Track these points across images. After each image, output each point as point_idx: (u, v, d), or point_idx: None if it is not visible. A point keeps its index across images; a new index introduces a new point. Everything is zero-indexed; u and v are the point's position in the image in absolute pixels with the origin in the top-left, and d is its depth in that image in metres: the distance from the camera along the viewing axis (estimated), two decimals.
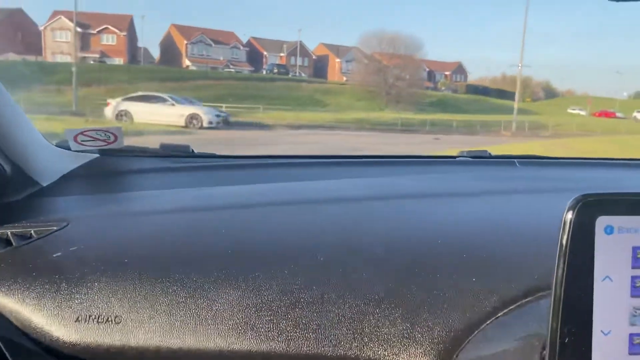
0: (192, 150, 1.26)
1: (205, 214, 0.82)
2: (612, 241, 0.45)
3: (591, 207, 0.44)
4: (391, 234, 0.74)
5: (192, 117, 18.25)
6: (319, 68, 62.96)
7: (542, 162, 1.38)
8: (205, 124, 18.20)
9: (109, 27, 50.43)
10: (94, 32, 50.45)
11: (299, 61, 60.93)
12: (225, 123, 19.90)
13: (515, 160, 1.31)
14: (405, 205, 0.85)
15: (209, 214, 0.82)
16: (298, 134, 19.08)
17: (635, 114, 59.14)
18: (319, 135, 18.49)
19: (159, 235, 0.75)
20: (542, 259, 0.61)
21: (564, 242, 0.44)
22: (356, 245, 0.71)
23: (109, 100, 18.98)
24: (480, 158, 1.36)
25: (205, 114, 18.73)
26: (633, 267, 0.45)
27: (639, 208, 0.45)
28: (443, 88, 60.45)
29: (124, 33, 50.55)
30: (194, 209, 0.84)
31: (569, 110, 62.92)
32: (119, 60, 49.76)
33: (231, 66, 55.20)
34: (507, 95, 75.71)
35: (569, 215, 0.44)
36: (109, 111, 18.24)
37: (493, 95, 65.80)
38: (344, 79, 54.28)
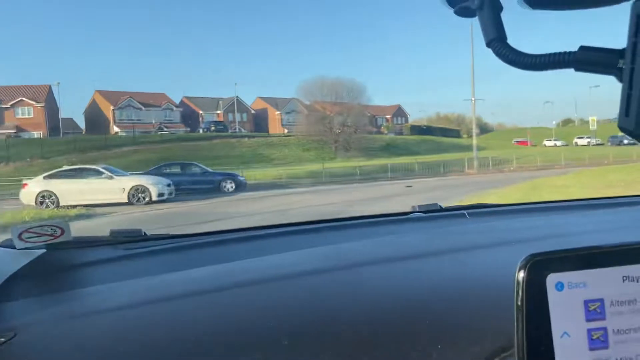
0: (145, 234, 1.26)
1: (160, 306, 0.78)
2: (564, 297, 0.46)
3: (540, 265, 0.46)
4: (350, 307, 0.73)
5: (138, 191, 14.99)
6: (259, 122, 60.78)
7: (490, 212, 1.49)
8: (154, 197, 14.95)
9: (24, 99, 46.30)
10: (7, 106, 46.11)
11: (238, 117, 58.67)
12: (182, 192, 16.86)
13: (465, 211, 1.43)
14: (362, 273, 0.84)
15: (164, 306, 0.78)
16: (258, 196, 16.22)
17: (575, 139, 61.68)
18: (280, 197, 15.38)
19: (114, 336, 0.72)
20: (502, 317, 0.60)
21: (519, 303, 0.45)
22: (317, 324, 0.70)
23: (26, 181, 15.39)
24: (432, 212, 1.46)
25: (153, 184, 15.39)
26: (587, 321, 0.46)
27: (585, 262, 0.47)
28: (386, 132, 59.80)
29: (42, 104, 46.56)
30: (150, 301, 0.80)
31: (514, 142, 64.78)
32: (38, 134, 45.35)
33: (164, 128, 52.04)
34: (450, 133, 77.46)
35: (521, 275, 0.45)
36: (26, 194, 14.58)
37: (437, 134, 66.31)
38: (285, 131, 52.48)
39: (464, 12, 0.45)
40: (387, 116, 71.87)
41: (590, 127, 52.46)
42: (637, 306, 0.47)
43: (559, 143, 61.48)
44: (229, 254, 1.11)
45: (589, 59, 0.39)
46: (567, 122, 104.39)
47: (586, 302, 0.46)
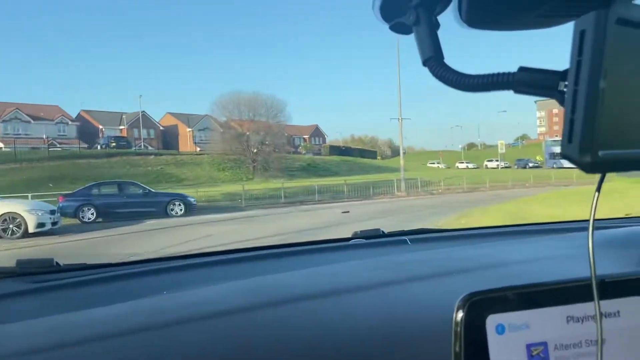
0: (57, 264, 1.17)
1: (70, 351, 0.68)
2: (505, 341, 0.43)
3: (480, 306, 0.43)
4: (280, 348, 0.68)
5: (7, 220, 11.44)
6: (168, 139, 56.23)
7: (432, 237, 1.48)
8: (32, 228, 11.47)
9: None
10: None
11: (144, 133, 53.83)
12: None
13: (406, 237, 1.41)
14: (293, 310, 0.77)
15: (74, 350, 0.68)
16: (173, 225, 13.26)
17: (486, 162, 64.10)
18: (193, 228, 12.41)
19: None
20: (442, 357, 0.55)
21: (457, 348, 0.43)
22: None
23: None
24: (374, 238, 1.43)
25: (29, 211, 11.74)
26: None
27: (528, 301, 0.45)
28: (304, 152, 58.18)
29: None
30: (58, 345, 0.69)
31: (429, 165, 66.46)
32: None
33: (57, 144, 46.04)
34: (368, 154, 77.80)
35: (459, 317, 0.43)
36: None
37: (355, 154, 66.00)
38: (198, 149, 48.84)
39: (400, 28, 0.43)
40: (305, 136, 70.54)
41: (499, 150, 54.63)
42: (582, 349, 0.45)
43: (470, 165, 62.98)
44: (149, 287, 1.04)
45: (529, 81, 0.38)
46: (471, 145, 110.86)
47: (529, 346, 0.44)
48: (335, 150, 63.94)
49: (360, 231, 1.48)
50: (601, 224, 1.43)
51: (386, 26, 0.44)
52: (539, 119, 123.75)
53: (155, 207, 15.94)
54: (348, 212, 14.90)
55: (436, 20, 0.42)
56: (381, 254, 1.22)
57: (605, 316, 0.46)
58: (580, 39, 0.33)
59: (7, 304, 0.96)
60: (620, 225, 1.29)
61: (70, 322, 0.77)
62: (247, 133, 39.47)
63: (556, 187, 26.15)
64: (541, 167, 54.31)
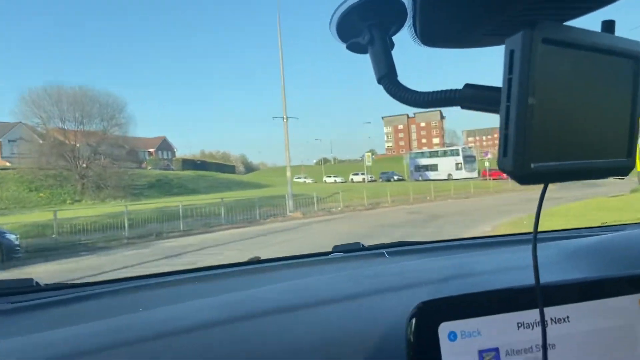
0: (37, 283, 1.15)
1: None
2: (457, 348, 0.44)
3: (432, 313, 0.44)
4: None
5: None
6: None
7: (410, 250, 1.46)
8: None
9: None
10: None
11: None
12: None
13: (384, 250, 1.40)
14: (266, 323, 0.77)
15: None
16: None
17: (351, 176, 62.02)
18: None
19: None
20: None
21: (410, 356, 0.43)
22: None
23: None
24: (353, 252, 1.44)
25: None
26: None
27: (479, 308, 0.45)
28: (150, 167, 49.24)
29: None
30: None
31: (295, 179, 62.30)
32: None
33: None
34: (226, 168, 70.80)
35: (411, 325, 0.43)
36: None
37: (212, 169, 59.13)
38: (7, 164, 37.30)
39: (356, 47, 0.45)
40: (151, 149, 61.15)
41: (366, 162, 52.58)
42: (533, 354, 0.46)
43: (338, 180, 60.74)
44: (128, 305, 1.06)
45: (473, 97, 0.39)
46: (325, 160, 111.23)
47: (481, 353, 0.44)
48: (189, 164, 55.89)
49: (341, 245, 1.51)
50: (576, 233, 1.47)
51: (343, 45, 0.45)
52: (386, 134, 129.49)
53: None
54: (259, 259, 8.12)
55: (391, 40, 0.44)
56: (358, 267, 1.24)
57: (555, 322, 0.47)
58: (510, 58, 0.34)
59: None
60: (596, 234, 1.27)
61: (46, 341, 0.76)
62: (74, 143, 29.91)
63: (458, 199, 23.08)
64: (404, 179, 53.47)
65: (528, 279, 0.45)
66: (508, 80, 0.35)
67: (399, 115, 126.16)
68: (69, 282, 1.20)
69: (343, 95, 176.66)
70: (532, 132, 0.34)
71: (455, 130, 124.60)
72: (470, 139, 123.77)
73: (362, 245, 1.50)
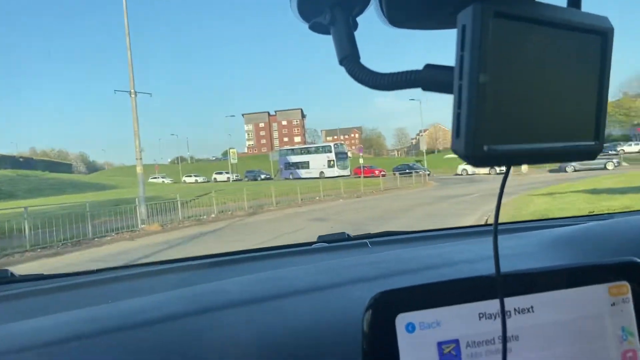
0: (12, 274, 1.18)
1: (19, 356, 0.68)
2: (416, 340, 0.43)
3: (389, 304, 0.43)
4: (215, 353, 0.68)
5: None
6: None
7: (393, 240, 1.48)
8: None
9: None
10: None
11: None
12: None
13: (367, 240, 1.43)
14: (230, 315, 0.76)
15: (22, 356, 0.68)
16: None
17: (214, 175, 56.02)
18: None
19: None
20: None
21: (366, 347, 0.42)
22: None
23: None
24: (338, 242, 1.45)
25: None
26: None
27: (439, 298, 0.44)
28: None
29: None
30: (5, 351, 0.69)
31: (151, 180, 54.89)
32: None
33: None
34: (60, 167, 59.62)
35: (367, 317, 0.42)
36: None
37: (41, 168, 48.30)
38: None
39: (318, 28, 0.43)
40: None
41: (231, 160, 47.59)
42: (495, 346, 0.45)
43: (200, 179, 55.41)
44: (100, 296, 1.07)
45: (433, 78, 0.37)
46: (182, 159, 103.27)
47: (440, 344, 0.43)
48: (7, 161, 44.79)
49: (326, 235, 1.50)
50: (562, 222, 1.45)
51: (305, 25, 0.44)
52: (247, 132, 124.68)
53: None
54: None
55: (354, 20, 0.42)
56: (339, 257, 1.21)
57: (519, 312, 0.46)
58: (462, 33, 0.33)
59: None
60: (581, 222, 1.25)
61: (21, 330, 0.76)
62: None
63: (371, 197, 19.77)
64: (272, 178, 49.68)
65: (505, 268, 0.44)
66: (460, 58, 0.33)
67: (260, 112, 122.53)
68: (45, 274, 1.22)
69: (200, 89, 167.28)
70: (485, 112, 0.32)
71: (317, 129, 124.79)
72: (329, 138, 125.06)
73: (348, 235, 1.52)
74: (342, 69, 0.41)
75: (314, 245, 1.40)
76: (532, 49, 0.34)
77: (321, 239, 1.48)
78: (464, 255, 0.99)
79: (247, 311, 0.77)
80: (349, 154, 48.77)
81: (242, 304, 0.79)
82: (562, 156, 0.37)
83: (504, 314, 0.43)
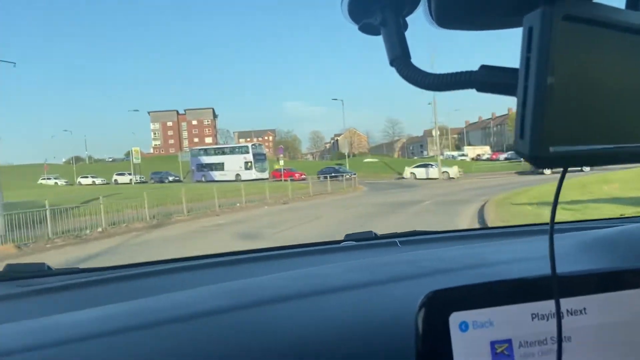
0: (49, 267, 1.20)
1: (53, 351, 0.67)
2: (469, 339, 0.43)
3: (442, 303, 0.43)
4: (258, 348, 0.68)
5: None
6: None
7: (422, 239, 1.47)
8: None
9: None
10: None
11: None
12: None
13: (396, 239, 1.41)
14: (273, 310, 0.77)
15: (57, 350, 0.67)
16: None
17: (115, 176, 50.47)
18: None
19: None
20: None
21: (419, 346, 0.42)
22: None
23: None
24: (365, 240, 1.45)
25: None
26: None
27: (492, 298, 0.44)
28: None
29: None
30: (41, 345, 0.68)
31: (42, 181, 47.74)
32: None
33: None
34: None
35: (420, 315, 0.42)
36: None
37: None
38: None
39: (368, 29, 0.43)
40: None
41: (134, 160, 42.36)
42: (548, 346, 0.45)
43: (98, 181, 49.63)
44: (138, 289, 1.08)
45: (489, 79, 0.37)
46: (77, 159, 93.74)
47: (493, 344, 0.43)
48: None
49: (353, 234, 1.51)
50: (594, 224, 1.43)
51: (355, 27, 0.43)
52: (153, 132, 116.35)
53: None
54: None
55: (404, 21, 0.42)
56: (370, 256, 1.22)
57: (572, 313, 0.46)
58: (528, 35, 0.33)
59: None
60: (614, 225, 1.21)
61: (56, 323, 0.77)
62: None
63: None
64: (182, 180, 45.01)
65: (542, 270, 0.45)
66: (526, 59, 0.33)
67: (167, 111, 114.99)
68: (79, 267, 1.24)
69: (100, 82, 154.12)
70: (551, 113, 0.32)
71: (229, 130, 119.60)
72: (242, 140, 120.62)
73: (375, 233, 1.52)
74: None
75: (342, 244, 1.42)
76: (598, 51, 0.34)
77: (348, 237, 1.48)
78: (499, 256, 0.99)
79: (286, 307, 0.77)
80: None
81: (282, 300, 0.79)
82: (624, 158, 0.37)
83: (559, 314, 0.43)
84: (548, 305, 0.45)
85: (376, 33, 0.43)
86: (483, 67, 0.38)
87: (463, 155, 60.22)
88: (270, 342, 0.67)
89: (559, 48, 0.32)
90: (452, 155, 63.03)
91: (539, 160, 0.33)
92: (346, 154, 48.49)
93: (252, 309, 0.77)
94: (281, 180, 30.61)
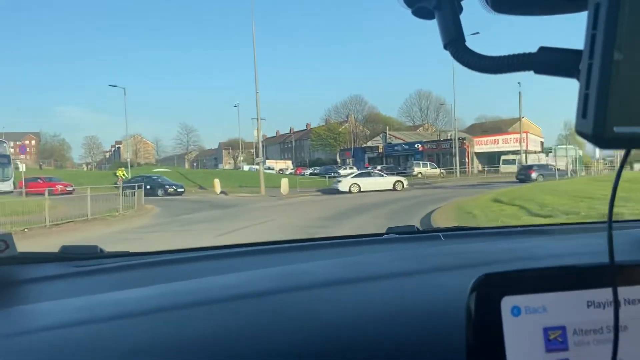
0: (101, 250, 1.24)
1: (109, 324, 0.71)
2: (521, 324, 0.42)
3: (495, 287, 0.42)
4: (299, 330, 0.69)
5: None
6: None
7: (465, 234, 1.51)
8: None
9: None
10: None
11: None
12: None
13: (440, 234, 1.43)
14: (315, 295, 0.79)
15: (112, 324, 0.71)
16: None
17: None
18: None
19: (53, 357, 0.64)
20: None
21: (470, 329, 0.42)
22: (270, 349, 0.66)
23: None
24: (408, 234, 1.49)
25: None
26: (547, 351, 0.42)
27: (546, 283, 0.43)
28: None
29: None
30: (89, 320, 0.72)
31: None
32: None
33: None
34: None
35: (472, 298, 0.42)
36: None
37: None
38: None
39: (422, 12, 0.43)
40: None
41: None
42: (603, 336, 0.43)
43: None
44: (184, 273, 1.10)
45: (549, 61, 0.37)
46: None
47: (546, 330, 0.42)
48: None
49: (395, 227, 1.53)
50: (637, 224, 1.45)
51: (409, 11, 0.43)
52: None
53: None
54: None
55: (459, 4, 0.42)
56: (413, 248, 1.23)
57: (629, 303, 0.44)
58: (594, 12, 0.32)
59: (49, 285, 1.00)
60: None
61: (112, 300, 0.80)
62: None
63: None
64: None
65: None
66: (592, 36, 0.32)
67: None
68: (130, 252, 1.29)
69: None
70: (616, 91, 0.31)
71: None
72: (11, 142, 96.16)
73: (417, 228, 1.58)
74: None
75: (384, 236, 1.44)
76: None
77: (390, 230, 1.50)
78: (547, 251, 0.98)
79: (333, 291, 0.79)
80: (19, 163, 33.07)
81: (327, 285, 0.81)
82: None
83: (616, 303, 0.42)
84: (604, 294, 0.43)
85: (430, 17, 0.42)
86: (542, 48, 0.37)
87: (270, 169, 56.11)
88: (315, 323, 0.68)
89: (626, 25, 0.31)
90: (255, 169, 58.46)
91: (602, 140, 0.32)
92: (128, 162, 39.31)
93: (298, 292, 0.78)
94: (42, 194, 20.45)
